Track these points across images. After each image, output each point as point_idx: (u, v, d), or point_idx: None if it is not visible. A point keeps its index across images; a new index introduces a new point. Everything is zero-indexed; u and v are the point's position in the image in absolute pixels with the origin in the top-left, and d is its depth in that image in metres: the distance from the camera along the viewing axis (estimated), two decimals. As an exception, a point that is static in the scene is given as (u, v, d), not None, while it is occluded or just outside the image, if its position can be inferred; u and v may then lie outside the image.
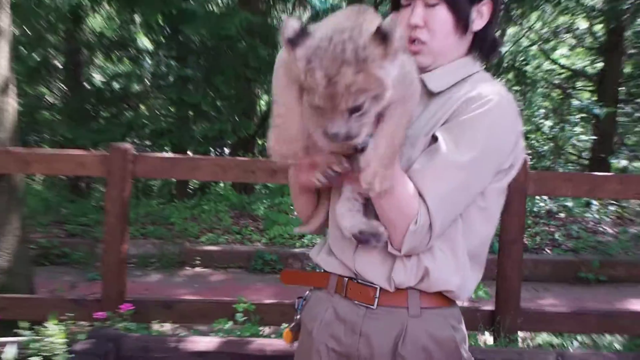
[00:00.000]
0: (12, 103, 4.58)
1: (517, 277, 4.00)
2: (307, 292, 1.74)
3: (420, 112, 1.59)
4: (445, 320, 1.57)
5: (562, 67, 14.28)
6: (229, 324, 4.01)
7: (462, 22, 1.60)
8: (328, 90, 1.27)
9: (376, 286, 1.55)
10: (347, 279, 1.60)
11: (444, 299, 1.57)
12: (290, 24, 1.30)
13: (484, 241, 1.62)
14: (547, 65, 14.96)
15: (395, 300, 1.55)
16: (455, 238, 1.55)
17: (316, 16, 11.07)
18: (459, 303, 1.64)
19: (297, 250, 7.49)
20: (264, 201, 8.70)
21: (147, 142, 11.49)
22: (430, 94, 1.61)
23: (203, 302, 4.54)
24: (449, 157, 1.49)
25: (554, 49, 14.90)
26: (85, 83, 11.60)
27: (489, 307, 4.10)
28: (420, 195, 1.47)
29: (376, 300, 1.55)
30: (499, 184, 1.58)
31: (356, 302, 1.58)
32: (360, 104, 1.30)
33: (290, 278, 1.88)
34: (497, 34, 1.80)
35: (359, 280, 1.58)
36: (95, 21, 11.92)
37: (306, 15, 12.31)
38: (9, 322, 4.07)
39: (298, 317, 1.73)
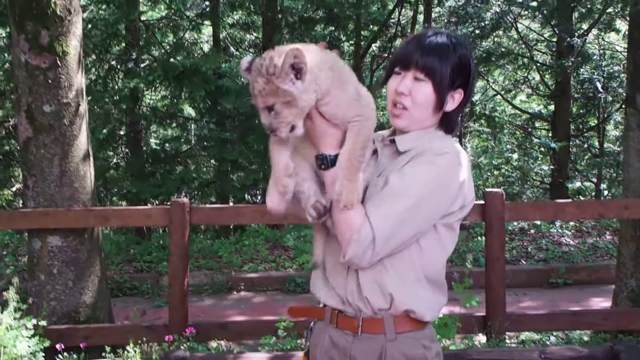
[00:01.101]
0: (90, 170, 4.65)
1: (501, 287, 4.00)
2: (312, 323, 1.77)
3: (387, 162, 1.65)
4: (417, 342, 1.58)
5: (522, 111, 14.35)
6: (273, 339, 4.01)
7: (439, 101, 1.62)
8: (253, 94, 1.46)
9: (359, 317, 1.58)
10: (337, 311, 1.63)
11: (415, 322, 1.58)
12: (243, 61, 1.49)
13: (438, 267, 1.62)
14: (510, 110, 15.07)
15: (375, 328, 1.57)
16: (412, 264, 1.56)
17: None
18: (429, 323, 1.63)
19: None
20: (293, 234, 8.70)
21: (196, 193, 11.61)
22: (398, 152, 1.65)
23: (251, 322, 4.56)
24: (394, 188, 1.53)
25: (514, 97, 14.97)
26: (144, 147, 11.74)
27: (481, 313, 4.08)
28: (366, 214, 1.50)
29: (360, 328, 1.58)
30: (449, 220, 1.59)
31: (345, 331, 1.61)
32: (271, 105, 1.44)
33: (296, 313, 2.18)
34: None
35: (346, 313, 1.61)
36: (151, 97, 12.09)
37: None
38: (95, 348, 4.09)
39: (307, 344, 1.77)
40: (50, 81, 4.41)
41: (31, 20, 4.38)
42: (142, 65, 10.23)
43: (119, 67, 10.63)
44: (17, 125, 4.66)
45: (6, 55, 11.81)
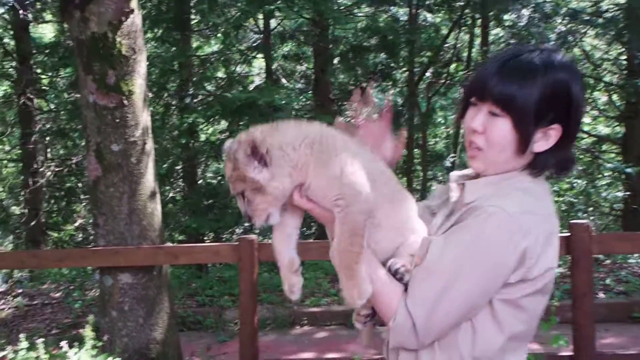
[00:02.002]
0: (157, 207, 4.72)
1: (590, 326, 3.77)
2: None
3: (455, 212, 1.44)
4: None
5: (588, 134, 13.91)
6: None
7: (522, 141, 1.35)
8: (226, 180, 1.40)
9: None
10: None
11: None
12: (225, 144, 1.40)
13: (494, 349, 1.35)
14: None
15: None
16: (457, 345, 1.35)
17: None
18: None
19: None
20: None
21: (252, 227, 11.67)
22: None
23: (320, 360, 4.47)
24: (430, 261, 1.34)
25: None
26: (199, 181, 11.92)
27: (568, 352, 3.87)
28: (405, 295, 1.35)
29: None
30: (509, 295, 1.32)
31: None
32: (240, 192, 1.37)
33: None
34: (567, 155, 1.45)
35: None
36: (206, 132, 12.30)
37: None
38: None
39: None
40: (117, 120, 4.52)
41: (98, 61, 4.52)
42: (196, 100, 10.47)
43: (175, 103, 10.89)
44: (87, 165, 4.78)
45: (66, 95, 12.33)
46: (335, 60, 12.02)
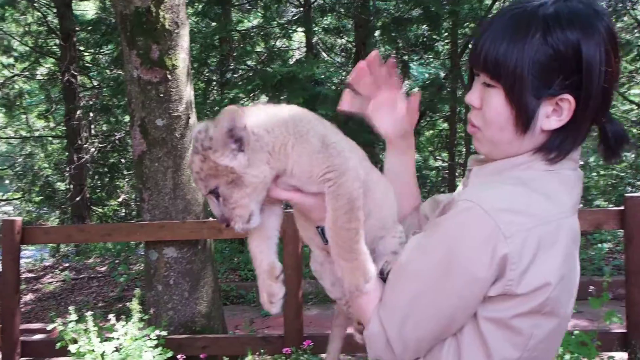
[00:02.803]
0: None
1: (644, 302, 3.68)
2: None
3: None
4: None
5: (638, 105, 13.48)
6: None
7: (520, 116, 1.10)
8: (193, 178, 1.20)
9: None
10: None
11: None
12: (193, 133, 1.20)
13: None
14: (624, 106, 14.21)
15: None
16: None
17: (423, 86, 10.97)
18: None
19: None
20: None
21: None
22: None
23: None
24: (403, 264, 1.15)
25: (628, 90, 14.11)
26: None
27: (622, 330, 3.79)
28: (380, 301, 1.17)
29: None
30: (496, 314, 1.07)
31: None
32: (213, 188, 1.16)
33: None
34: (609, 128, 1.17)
35: None
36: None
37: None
38: (212, 357, 4.17)
39: None
40: (161, 95, 4.56)
41: (142, 36, 4.55)
42: (236, 75, 10.48)
43: (216, 78, 10.94)
44: (132, 140, 4.85)
45: (108, 71, 12.52)
46: (377, 33, 11.85)
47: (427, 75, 13.26)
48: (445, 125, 14.96)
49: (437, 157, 16.33)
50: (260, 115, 1.20)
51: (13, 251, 4.41)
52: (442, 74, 12.27)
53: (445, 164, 14.89)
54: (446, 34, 12.06)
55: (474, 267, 1.04)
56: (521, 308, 1.07)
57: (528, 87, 1.08)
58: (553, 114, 1.11)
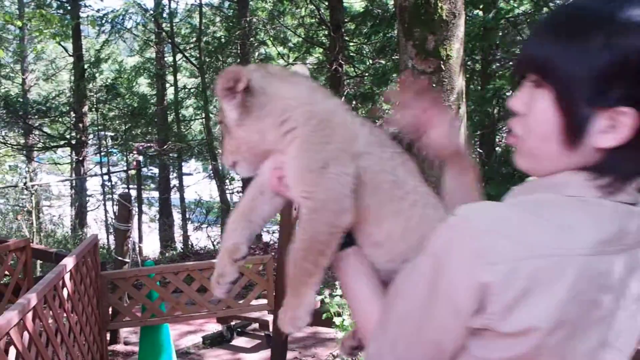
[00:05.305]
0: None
1: None
2: None
3: None
4: None
5: None
6: None
7: (570, 125, 0.93)
8: None
9: None
10: None
11: None
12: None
13: None
14: None
15: None
16: None
17: None
18: None
19: None
20: None
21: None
22: None
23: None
24: (395, 282, 1.03)
25: None
26: (498, 149, 11.72)
27: None
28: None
29: None
30: (484, 354, 0.92)
31: None
32: (219, 121, 1.19)
33: None
34: None
35: None
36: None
37: None
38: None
39: None
40: (433, 85, 4.64)
41: (418, 27, 4.68)
42: (498, 65, 10.21)
43: (478, 68, 10.80)
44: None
45: (370, 61, 13.13)
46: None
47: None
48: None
49: None
50: (298, 89, 1.15)
51: (289, 225, 4.86)
52: None
53: None
54: None
55: (454, 292, 0.91)
56: (507, 352, 0.91)
57: (581, 93, 0.90)
58: (608, 130, 0.91)
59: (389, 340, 1.01)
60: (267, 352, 5.58)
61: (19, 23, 11.29)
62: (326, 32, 13.53)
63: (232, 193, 17.55)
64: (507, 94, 10.60)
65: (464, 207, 0.94)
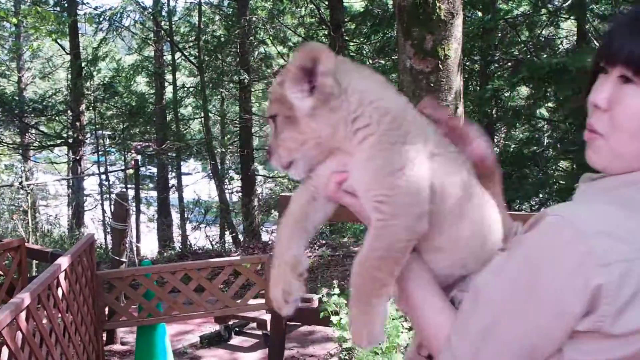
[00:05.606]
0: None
1: None
2: None
3: None
4: None
5: None
6: None
7: None
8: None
9: None
10: None
11: None
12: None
13: None
14: None
15: None
16: None
17: None
18: None
19: None
20: None
21: (555, 198, 11.20)
22: None
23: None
24: (482, 285, 0.99)
25: None
26: (496, 148, 11.73)
27: None
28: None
29: None
30: (583, 356, 0.90)
31: None
32: (273, 114, 1.06)
33: None
34: None
35: None
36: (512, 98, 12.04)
37: None
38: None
39: None
40: (431, 84, 4.66)
41: (417, 26, 4.69)
42: (497, 65, 10.22)
43: (477, 68, 10.81)
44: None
45: (370, 61, 13.13)
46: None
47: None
48: None
49: None
50: (370, 82, 1.07)
51: None
52: None
53: None
54: None
55: (561, 297, 0.88)
56: (615, 353, 0.89)
57: None
58: None
59: (469, 350, 0.97)
60: (264, 352, 5.59)
61: (14, 20, 11.29)
62: (326, 32, 13.53)
63: (232, 193, 17.55)
64: (506, 94, 10.62)
65: (558, 210, 0.93)
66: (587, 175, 1.11)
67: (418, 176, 1.01)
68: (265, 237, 13.80)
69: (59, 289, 3.60)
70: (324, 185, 1.08)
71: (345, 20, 13.23)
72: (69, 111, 15.68)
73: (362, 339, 1.02)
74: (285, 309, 1.06)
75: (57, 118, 16.04)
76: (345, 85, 1.03)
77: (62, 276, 3.65)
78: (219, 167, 16.30)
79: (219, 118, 17.67)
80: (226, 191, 16.55)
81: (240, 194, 16.14)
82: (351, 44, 14.17)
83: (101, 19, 15.22)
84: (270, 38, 15.32)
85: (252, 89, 15.85)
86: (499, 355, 0.95)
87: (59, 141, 16.27)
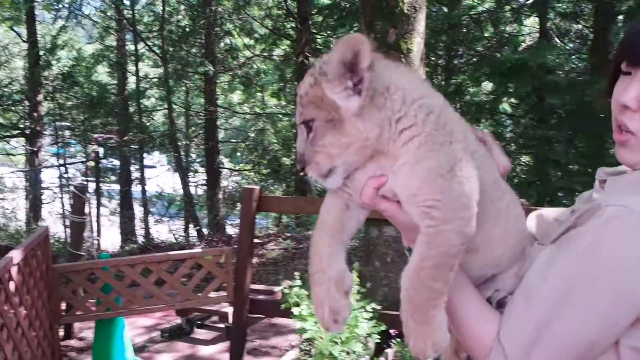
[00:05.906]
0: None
1: None
2: None
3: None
4: None
5: None
6: None
7: None
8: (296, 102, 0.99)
9: None
10: None
11: None
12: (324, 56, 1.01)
13: None
14: None
15: None
16: None
17: None
18: None
19: None
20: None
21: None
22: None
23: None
24: (533, 283, 0.99)
25: None
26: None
27: None
28: (500, 325, 1.02)
29: None
30: None
31: None
32: (309, 119, 0.95)
33: None
34: None
35: None
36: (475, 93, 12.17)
37: None
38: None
39: None
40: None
41: (380, 20, 4.72)
42: (462, 60, 10.35)
43: (441, 63, 10.91)
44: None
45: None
46: (620, 18, 10.83)
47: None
48: None
49: None
50: (410, 79, 1.01)
51: (250, 216, 4.79)
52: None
53: None
54: None
55: (630, 285, 0.90)
56: None
57: None
58: None
59: (522, 348, 0.97)
60: (226, 344, 5.57)
61: (-32, 6, 10.94)
62: (293, 24, 13.49)
63: (197, 186, 17.40)
64: (470, 89, 10.77)
65: (615, 200, 0.95)
66: (604, 168, 1.15)
67: (468, 177, 0.96)
68: (229, 230, 13.72)
69: (11, 282, 3.53)
70: (360, 192, 1.02)
71: (313, 12, 13.21)
72: (25, 101, 15.31)
73: (426, 351, 0.97)
74: (334, 329, 1.01)
75: (13, 108, 15.66)
76: (387, 83, 0.97)
77: (14, 269, 3.58)
78: (184, 160, 16.14)
79: (184, 110, 17.48)
80: (190, 184, 16.40)
81: (205, 187, 16.02)
82: (318, 36, 14.16)
83: (60, 6, 14.88)
84: (237, 29, 15.20)
85: (218, 81, 15.71)
86: (554, 352, 0.96)
87: (15, 132, 15.88)
